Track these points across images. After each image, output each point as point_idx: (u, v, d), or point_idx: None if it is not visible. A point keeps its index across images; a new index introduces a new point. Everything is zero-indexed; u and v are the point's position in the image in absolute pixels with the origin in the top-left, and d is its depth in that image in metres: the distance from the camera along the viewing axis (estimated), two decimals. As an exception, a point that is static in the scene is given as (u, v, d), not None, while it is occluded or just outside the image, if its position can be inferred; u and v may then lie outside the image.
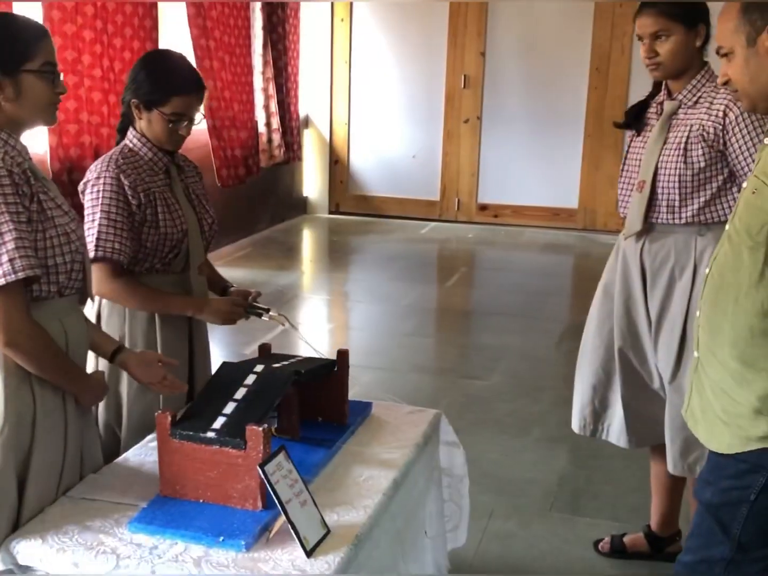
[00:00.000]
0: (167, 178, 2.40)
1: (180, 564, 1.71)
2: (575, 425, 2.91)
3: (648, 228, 2.61)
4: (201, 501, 1.88)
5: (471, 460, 3.51)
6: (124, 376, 2.35)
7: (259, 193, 7.84)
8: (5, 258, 1.67)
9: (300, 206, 8.89)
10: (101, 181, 2.29)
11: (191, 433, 1.86)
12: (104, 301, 2.37)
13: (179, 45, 6.24)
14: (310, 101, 8.70)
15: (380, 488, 2.01)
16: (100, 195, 2.28)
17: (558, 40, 8.08)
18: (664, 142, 2.57)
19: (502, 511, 3.22)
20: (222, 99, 6.65)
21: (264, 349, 2.35)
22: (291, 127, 8.03)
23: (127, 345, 2.34)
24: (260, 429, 1.81)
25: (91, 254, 2.25)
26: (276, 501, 1.74)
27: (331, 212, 8.97)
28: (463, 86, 8.44)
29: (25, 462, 1.83)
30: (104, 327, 2.37)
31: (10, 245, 1.67)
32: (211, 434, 1.85)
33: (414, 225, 8.51)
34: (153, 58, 2.40)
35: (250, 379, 2.02)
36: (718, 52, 1.83)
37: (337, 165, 8.91)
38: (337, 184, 8.97)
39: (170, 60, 2.40)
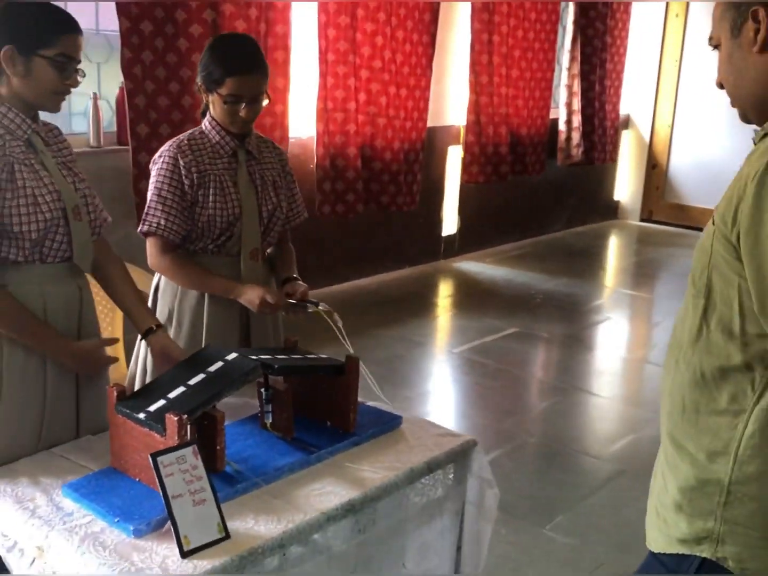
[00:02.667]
0: (234, 162, 2.43)
1: (69, 536, 1.73)
2: None
3: None
4: (137, 480, 1.89)
5: (616, 506, 3.16)
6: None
7: (553, 194, 7.60)
8: None
9: (608, 210, 8.45)
10: (161, 160, 2.38)
11: (128, 411, 1.88)
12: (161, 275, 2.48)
13: (456, 39, 6.24)
14: (631, 101, 8.21)
15: (325, 506, 1.87)
16: (157, 173, 2.38)
17: None
18: None
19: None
20: (497, 95, 6.51)
21: (289, 341, 2.28)
22: (606, 126, 7.65)
23: (174, 320, 2.43)
24: (176, 418, 1.77)
25: (140, 227, 2.36)
26: (161, 493, 1.70)
27: (642, 220, 8.43)
28: (808, 90, 7.40)
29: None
30: (159, 300, 2.47)
31: None
32: (142, 416, 1.85)
33: (731, 242, 7.67)
34: (215, 42, 2.42)
35: (215, 366, 1.98)
36: (709, 44, 1.41)
37: (654, 170, 8.33)
38: (652, 190, 8.39)
39: (230, 43, 2.42)
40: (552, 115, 7.23)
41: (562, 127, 7.29)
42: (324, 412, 2.20)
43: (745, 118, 1.39)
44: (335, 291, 5.61)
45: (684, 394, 1.35)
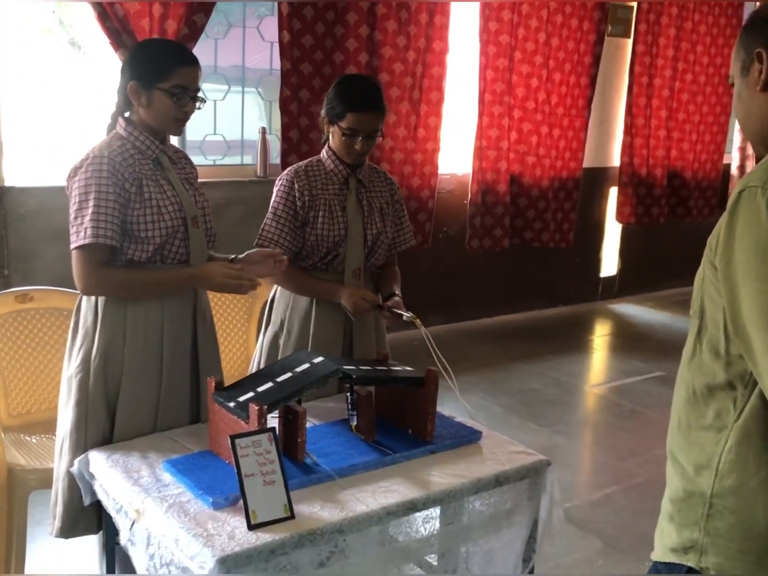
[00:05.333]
0: (345, 189, 2.67)
1: (161, 503, 1.99)
2: None
3: None
4: (227, 462, 2.14)
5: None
6: (280, 354, 2.69)
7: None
8: (83, 226, 2.14)
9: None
10: (280, 183, 2.67)
11: (222, 400, 2.13)
12: (277, 286, 2.75)
13: (622, 83, 6.26)
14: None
15: (387, 502, 2.03)
16: (276, 194, 2.65)
17: None
18: None
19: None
20: (652, 137, 6.47)
21: (380, 354, 2.47)
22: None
23: (285, 329, 2.70)
24: (257, 408, 2.00)
25: (255, 241, 2.66)
26: (236, 471, 1.92)
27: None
28: None
29: (115, 391, 2.29)
30: (273, 310, 2.75)
31: (88, 217, 2.14)
32: (232, 404, 2.10)
33: None
34: (342, 80, 2.66)
35: (302, 368, 2.21)
36: (728, 82, 1.49)
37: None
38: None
39: (354, 81, 2.66)
40: (725, 160, 7.07)
41: (734, 171, 7.10)
42: (406, 420, 2.37)
43: (760, 155, 1.46)
44: (482, 323, 5.75)
45: (680, 410, 1.42)
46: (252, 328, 3.38)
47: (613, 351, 5.59)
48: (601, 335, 6.14)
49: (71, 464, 2.28)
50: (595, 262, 6.59)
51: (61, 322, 2.94)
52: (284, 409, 2.15)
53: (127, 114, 2.30)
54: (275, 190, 2.69)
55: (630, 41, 6.21)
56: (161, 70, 2.22)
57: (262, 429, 2.00)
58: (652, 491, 3.63)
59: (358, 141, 2.59)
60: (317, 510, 1.99)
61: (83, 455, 2.27)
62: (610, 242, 6.61)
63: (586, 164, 6.15)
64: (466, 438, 2.38)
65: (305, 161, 2.72)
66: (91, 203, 2.14)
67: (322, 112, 2.66)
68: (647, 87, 6.25)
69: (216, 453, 2.18)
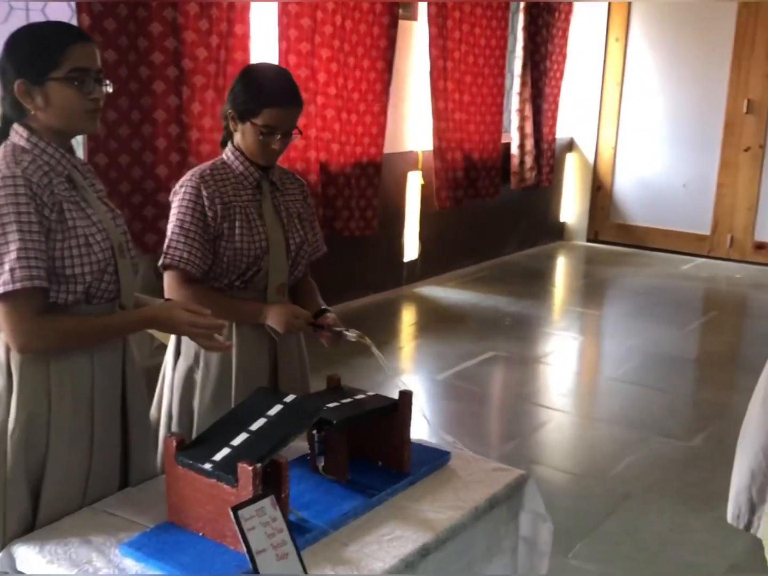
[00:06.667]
0: (258, 194, 2.34)
1: (143, 600, 1.62)
2: (729, 513, 2.45)
3: None
4: (200, 534, 1.78)
5: (630, 530, 3.15)
6: (197, 392, 2.33)
7: (507, 216, 7.65)
8: (7, 267, 1.68)
9: (556, 232, 8.56)
10: (183, 190, 2.29)
11: (191, 462, 1.77)
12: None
13: (413, 66, 6.25)
14: (575, 124, 8.36)
15: (401, 552, 1.79)
16: (179, 205, 2.28)
17: None
18: None
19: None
20: (452, 120, 6.55)
21: (332, 380, 2.20)
22: (543, 149, 7.74)
23: (202, 360, 2.33)
24: (250, 468, 1.67)
25: (161, 261, 2.26)
26: (245, 549, 1.59)
27: (589, 240, 8.55)
28: (745, 111, 7.66)
29: (39, 467, 1.84)
30: (183, 340, 2.36)
31: (14, 255, 1.68)
32: (208, 466, 1.75)
33: (677, 260, 7.86)
34: (251, 70, 2.35)
35: (275, 410, 1.89)
36: None
37: (599, 191, 8.47)
38: (597, 211, 8.53)
39: (267, 73, 2.35)
40: (503, 140, 7.30)
41: (514, 151, 7.36)
42: (375, 452, 2.12)
43: None
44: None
45: None
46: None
47: (440, 336, 5.57)
48: (418, 322, 6.13)
49: (-14, 566, 1.80)
50: (399, 247, 6.55)
51: None
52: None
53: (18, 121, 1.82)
54: (176, 199, 2.30)
55: (416, 24, 6.20)
56: (50, 56, 1.75)
57: (263, 493, 1.67)
58: (540, 478, 3.61)
59: (276, 139, 2.28)
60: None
61: (3, 551, 1.80)
62: (411, 227, 6.60)
63: (387, 150, 6.06)
64: (438, 462, 2.17)
65: (207, 164, 2.35)
66: (12, 237, 1.67)
67: (227, 108, 2.31)
68: (443, 70, 6.27)
69: (181, 525, 1.81)
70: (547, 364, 5.12)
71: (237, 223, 2.29)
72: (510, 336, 5.56)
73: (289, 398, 1.93)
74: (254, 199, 2.34)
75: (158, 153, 4.54)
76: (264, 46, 5.26)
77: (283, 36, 5.22)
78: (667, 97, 8.00)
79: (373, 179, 6.01)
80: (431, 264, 6.83)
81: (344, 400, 2.09)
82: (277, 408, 1.90)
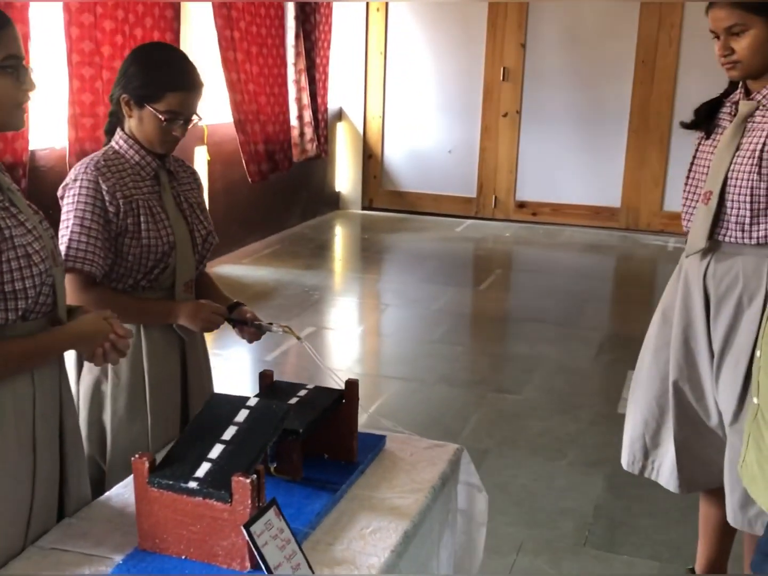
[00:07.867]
0: (156, 185, 2.18)
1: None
2: (624, 460, 2.63)
3: (713, 246, 2.30)
4: (183, 557, 1.65)
5: (499, 485, 3.31)
6: (108, 405, 2.14)
7: (290, 189, 7.63)
8: None
9: (332, 202, 8.66)
10: (77, 184, 2.07)
11: (171, 482, 1.63)
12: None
13: (202, 36, 6.04)
14: (343, 94, 8.46)
15: (389, 543, 1.77)
16: (75, 200, 2.06)
17: (602, 32, 7.75)
18: (737, 148, 2.23)
19: (531, 545, 2.97)
20: (246, 92, 6.42)
21: (265, 376, 2.11)
22: (319, 120, 7.78)
23: (110, 371, 2.14)
24: (248, 480, 1.57)
25: None
26: (263, 568, 1.51)
27: (364, 208, 8.74)
28: (502, 79, 8.15)
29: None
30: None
31: None
32: (193, 484, 1.62)
33: (449, 222, 8.25)
34: (148, 51, 2.17)
35: (242, 415, 1.78)
36: None
37: (370, 160, 8.67)
38: (370, 180, 8.73)
39: (167, 53, 2.17)
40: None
41: (294, 123, 7.32)
42: (319, 445, 2.06)
43: None
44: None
45: None
46: None
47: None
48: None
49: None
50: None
51: None
52: (230, 470, 1.72)
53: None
54: (70, 193, 2.07)
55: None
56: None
57: (265, 506, 1.58)
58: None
59: (179, 125, 2.12)
60: (335, 579, 1.66)
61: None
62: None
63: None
64: (379, 447, 2.16)
65: (98, 154, 2.14)
66: None
67: (117, 92, 2.11)
68: (231, 40, 6.08)
69: (157, 551, 1.67)
70: (368, 335, 5.20)
71: (141, 218, 2.11)
72: (320, 310, 5.58)
73: (252, 401, 1.83)
74: (154, 191, 2.17)
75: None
76: (44, 16, 4.82)
77: (65, 8, 4.81)
78: (430, 66, 8.31)
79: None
80: (223, 242, 6.64)
81: (291, 401, 2.01)
82: (244, 413, 1.79)
